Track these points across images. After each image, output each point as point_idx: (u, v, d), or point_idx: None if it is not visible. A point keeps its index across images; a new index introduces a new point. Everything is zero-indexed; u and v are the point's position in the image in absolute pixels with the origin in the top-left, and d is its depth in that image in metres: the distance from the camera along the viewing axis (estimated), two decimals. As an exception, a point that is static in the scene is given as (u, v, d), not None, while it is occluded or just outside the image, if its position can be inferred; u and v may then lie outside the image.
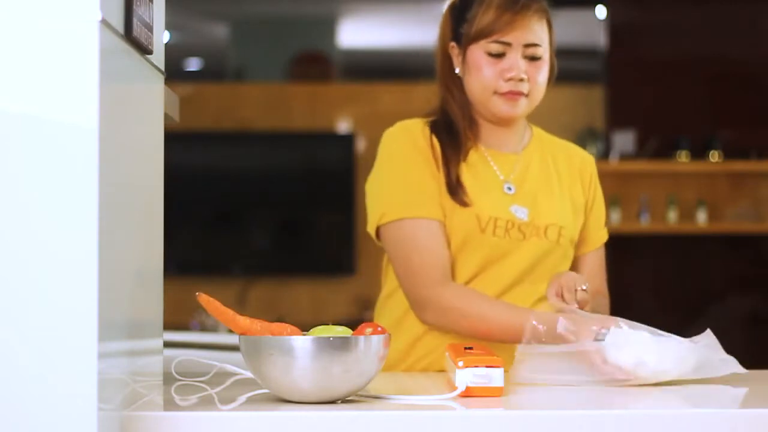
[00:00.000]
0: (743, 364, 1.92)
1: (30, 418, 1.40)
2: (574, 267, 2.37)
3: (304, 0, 7.39)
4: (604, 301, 2.37)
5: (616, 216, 6.55)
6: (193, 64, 8.26)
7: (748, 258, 6.63)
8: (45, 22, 1.43)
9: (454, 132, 2.29)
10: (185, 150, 7.03)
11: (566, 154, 2.40)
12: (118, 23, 1.52)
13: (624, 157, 6.58)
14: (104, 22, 1.44)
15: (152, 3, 1.68)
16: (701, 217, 6.55)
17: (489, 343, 2.09)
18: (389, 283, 2.33)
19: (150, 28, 1.66)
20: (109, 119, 1.47)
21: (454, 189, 2.24)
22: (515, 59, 2.23)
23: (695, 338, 1.91)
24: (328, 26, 7.69)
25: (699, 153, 6.57)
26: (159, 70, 1.78)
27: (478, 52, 2.25)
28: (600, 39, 6.79)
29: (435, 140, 2.27)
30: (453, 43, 2.31)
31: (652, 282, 6.63)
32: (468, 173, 2.27)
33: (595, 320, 1.98)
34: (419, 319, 2.23)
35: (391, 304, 2.32)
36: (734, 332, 6.39)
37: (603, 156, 6.69)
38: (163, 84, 1.83)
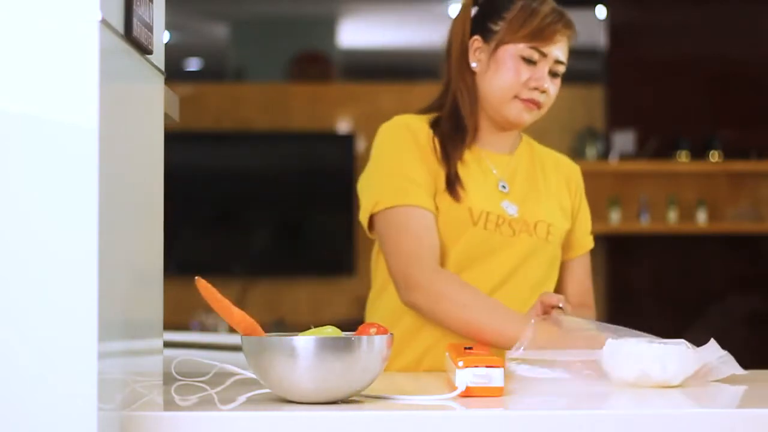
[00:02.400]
0: (743, 364, 1.91)
1: (30, 418, 1.40)
2: (561, 272, 2.38)
3: (304, 0, 7.39)
4: (589, 313, 2.36)
5: (616, 216, 6.55)
6: (193, 64, 8.26)
7: (748, 258, 6.63)
8: (45, 22, 1.43)
9: (460, 128, 2.30)
10: (185, 150, 7.03)
11: (554, 163, 2.42)
12: (118, 23, 1.52)
13: (624, 157, 6.58)
14: (104, 22, 1.44)
15: (152, 3, 1.68)
16: (701, 217, 6.55)
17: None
18: (379, 279, 2.33)
19: (150, 28, 1.66)
20: (109, 119, 1.47)
21: (452, 183, 2.25)
22: (545, 71, 2.26)
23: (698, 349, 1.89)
24: (328, 26, 7.70)
25: (699, 153, 6.57)
26: (159, 70, 1.78)
27: (511, 53, 2.26)
28: (600, 39, 6.79)
29: (436, 138, 2.28)
30: (477, 36, 2.30)
31: (652, 282, 6.63)
32: (463, 170, 2.28)
33: (587, 339, 1.98)
34: (403, 300, 2.21)
35: (382, 300, 2.32)
36: (734, 332, 6.39)
37: (603, 156, 6.69)
38: (163, 84, 1.83)
